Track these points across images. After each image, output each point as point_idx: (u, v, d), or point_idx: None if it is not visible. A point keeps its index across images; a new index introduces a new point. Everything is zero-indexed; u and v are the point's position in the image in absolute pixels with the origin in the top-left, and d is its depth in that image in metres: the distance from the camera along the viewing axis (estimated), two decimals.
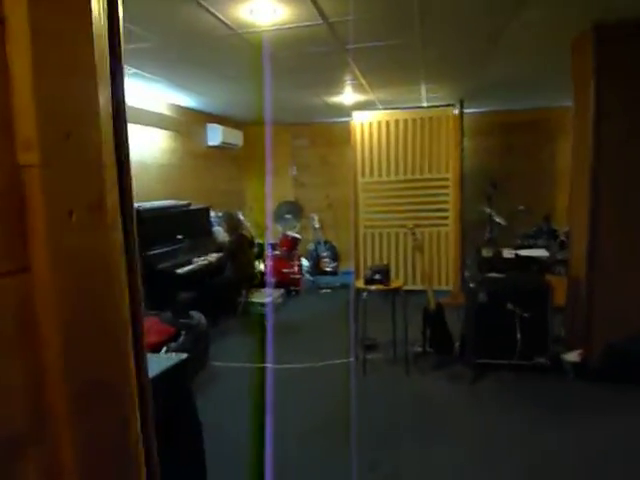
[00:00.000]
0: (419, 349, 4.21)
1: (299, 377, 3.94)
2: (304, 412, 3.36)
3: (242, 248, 5.09)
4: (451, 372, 3.88)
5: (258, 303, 5.83)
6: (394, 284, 3.81)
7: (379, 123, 6.16)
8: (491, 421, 3.13)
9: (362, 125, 6.21)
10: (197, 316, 4.16)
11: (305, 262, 7.83)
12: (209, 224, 5.96)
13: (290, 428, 3.11)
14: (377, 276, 3.77)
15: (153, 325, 3.82)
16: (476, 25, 3.31)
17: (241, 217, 6.90)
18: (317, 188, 8.34)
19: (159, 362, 1.97)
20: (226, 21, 3.03)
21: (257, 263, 6.95)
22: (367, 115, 6.20)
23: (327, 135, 8.17)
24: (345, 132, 7.79)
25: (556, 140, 6.95)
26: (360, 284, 3.84)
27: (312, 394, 3.66)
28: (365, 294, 3.75)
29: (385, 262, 6.24)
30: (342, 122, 7.87)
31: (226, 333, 5.06)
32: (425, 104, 6.48)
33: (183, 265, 4.87)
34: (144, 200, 5.24)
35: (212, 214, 6.18)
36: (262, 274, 6.65)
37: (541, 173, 7.09)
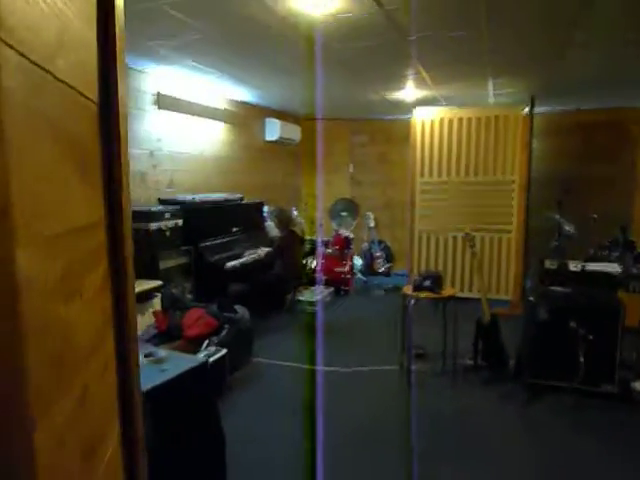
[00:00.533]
0: (469, 362, 3.96)
1: (342, 381, 3.81)
2: (344, 418, 3.23)
3: (292, 245, 5.02)
4: (503, 390, 3.60)
5: (306, 301, 5.75)
6: (446, 292, 3.58)
7: (441, 120, 5.88)
8: (546, 452, 2.85)
9: (423, 122, 5.95)
10: (241, 311, 4.13)
11: (358, 261, 7.68)
12: (262, 219, 5.94)
13: (329, 434, 2.99)
14: (427, 283, 3.56)
15: (198, 317, 3.83)
16: (554, 9, 3.00)
17: (295, 213, 6.87)
18: (374, 186, 8.15)
19: (178, 364, 1.89)
20: (280, 10, 2.93)
21: (309, 260, 6.88)
22: (429, 112, 5.94)
23: (386, 132, 7.94)
24: (405, 130, 7.54)
25: (638, 144, 6.35)
26: (408, 290, 3.64)
27: (354, 400, 3.51)
28: (413, 301, 3.55)
29: (440, 266, 5.96)
30: (402, 119, 7.62)
31: (272, 330, 5.01)
32: (492, 101, 6.12)
33: (233, 258, 4.87)
34: (200, 192, 5.30)
35: (265, 209, 6.16)
36: (312, 271, 6.57)
37: (619, 179, 6.51)
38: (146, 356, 1.85)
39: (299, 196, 8.24)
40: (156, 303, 3.90)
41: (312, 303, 5.73)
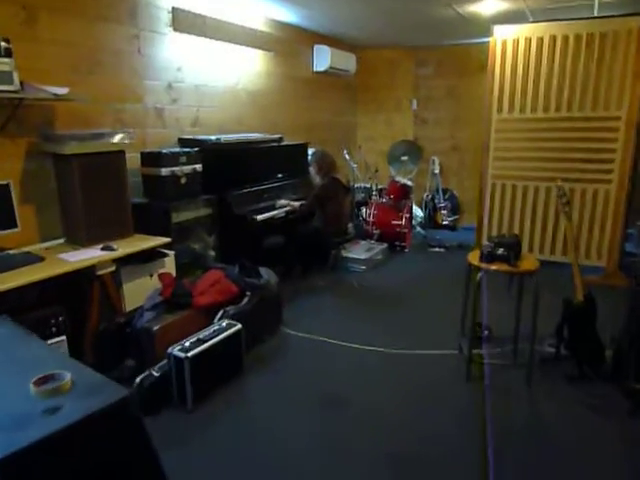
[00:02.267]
0: (550, 350, 3.11)
1: (384, 365, 3.10)
2: (378, 418, 2.55)
3: (334, 194, 4.23)
4: (595, 394, 2.74)
5: (354, 258, 5.02)
6: (524, 264, 2.69)
7: (527, 40, 4.67)
8: None
9: (504, 43, 4.77)
10: (267, 275, 3.47)
11: (418, 212, 6.78)
12: (306, 163, 5.16)
13: (361, 436, 2.33)
14: (501, 251, 2.69)
15: (215, 281, 3.21)
16: None
17: (347, 157, 6.03)
18: (441, 126, 7.05)
19: (84, 402, 1.16)
20: None
21: (361, 211, 6.08)
22: (512, 30, 4.73)
23: (458, 61, 6.73)
24: (480, 57, 6.33)
25: None
26: (475, 259, 2.79)
27: (398, 391, 2.81)
28: (481, 273, 2.70)
29: (517, 223, 4.96)
30: (477, 44, 6.39)
31: (309, 292, 4.35)
32: (596, 12, 4.79)
33: (266, 210, 4.18)
34: (230, 131, 4.58)
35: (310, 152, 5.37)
36: (364, 224, 5.78)
37: None
38: (37, 383, 1.20)
39: (353, 137, 7.33)
40: (169, 263, 3.31)
41: (361, 261, 4.99)
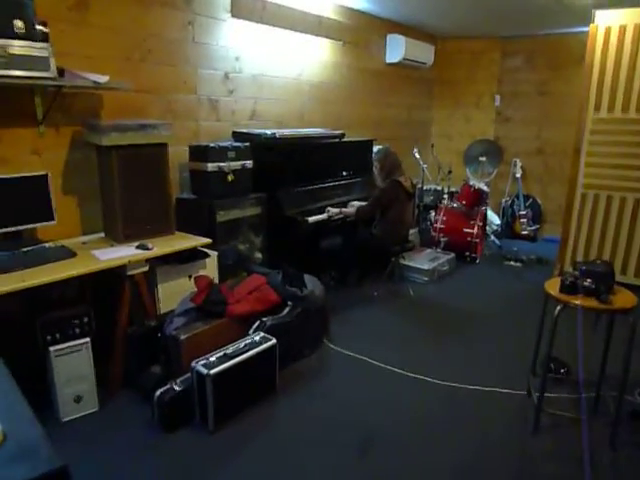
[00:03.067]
0: None
1: (437, 401, 2.69)
2: (423, 461, 2.17)
3: (394, 199, 3.83)
4: None
5: (417, 268, 4.59)
6: (618, 301, 2.17)
7: (637, 27, 3.97)
8: None
9: (608, 31, 4.09)
10: (312, 285, 3.17)
11: (495, 219, 6.18)
12: (370, 163, 4.79)
13: None
14: (588, 282, 2.19)
15: (256, 287, 2.97)
16: None
17: (417, 156, 5.58)
18: (526, 125, 6.36)
19: None
20: None
21: (430, 214, 5.61)
22: (619, 15, 4.05)
23: (551, 53, 6.01)
24: (577, 48, 5.63)
25: None
26: (553, 288, 2.30)
27: (447, 438, 2.41)
28: (559, 307, 2.22)
29: (610, 241, 4.28)
30: (576, 33, 5.66)
31: (363, 303, 4.00)
32: None
33: (320, 212, 3.88)
34: (290, 126, 4.32)
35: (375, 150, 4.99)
36: (431, 229, 5.32)
37: None
38: None
39: (426, 135, 6.83)
40: (210, 265, 3.11)
41: (423, 271, 4.55)
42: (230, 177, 3.29)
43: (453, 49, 6.52)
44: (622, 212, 4.23)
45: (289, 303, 2.99)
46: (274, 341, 2.60)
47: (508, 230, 6.20)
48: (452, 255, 4.96)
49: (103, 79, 2.64)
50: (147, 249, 2.67)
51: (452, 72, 6.64)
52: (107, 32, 2.97)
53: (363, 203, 4.03)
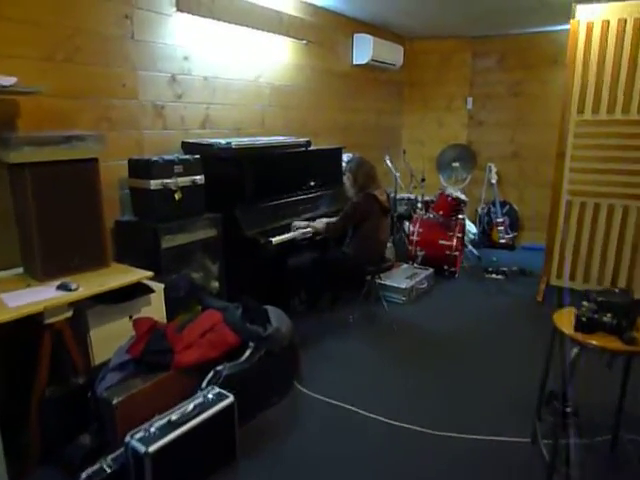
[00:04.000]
0: None
1: (427, 454, 2.28)
2: None
3: (367, 214, 3.43)
4: None
5: (393, 287, 4.19)
6: None
7: (622, 22, 3.69)
8: None
9: (590, 26, 3.80)
10: (278, 320, 2.71)
11: (471, 228, 5.87)
12: (340, 172, 4.38)
13: None
14: (608, 317, 1.82)
15: (210, 327, 2.49)
16: None
17: (389, 164, 5.21)
18: (500, 129, 6.09)
19: None
20: None
21: (405, 225, 5.25)
22: (602, 9, 3.77)
23: (524, 52, 5.75)
24: (552, 47, 5.40)
25: None
26: (565, 323, 1.92)
27: None
28: (576, 350, 1.83)
29: (597, 256, 3.98)
30: (550, 32, 5.43)
31: (337, 330, 3.57)
32: None
33: (286, 230, 3.43)
34: (249, 134, 3.87)
35: (345, 159, 4.59)
36: (407, 242, 4.94)
37: None
38: None
39: (397, 141, 6.48)
40: (156, 301, 2.61)
41: (401, 291, 4.16)
42: (177, 195, 2.81)
43: (422, 50, 6.20)
44: (610, 219, 3.94)
45: (250, 344, 2.52)
46: (231, 399, 2.13)
47: (485, 239, 5.89)
48: (430, 271, 4.58)
49: (8, 81, 2.13)
50: (69, 290, 2.16)
51: (422, 74, 6.32)
52: (24, 27, 2.45)
53: (333, 219, 3.61)
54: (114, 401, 2.02)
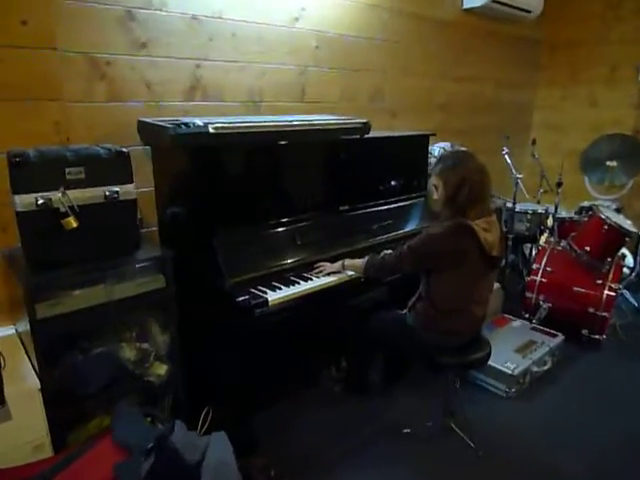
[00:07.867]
0: None
1: None
2: None
3: (456, 256, 1.82)
4: None
5: (493, 370, 2.55)
6: None
7: None
8: None
9: None
10: (179, 435, 1.33)
11: (628, 261, 3.91)
12: (422, 176, 2.83)
13: None
14: None
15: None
16: None
17: (507, 160, 3.53)
18: None
19: None
20: None
21: (525, 251, 3.56)
22: None
23: None
24: None
25: None
26: None
27: None
28: None
29: None
30: None
31: (388, 455, 2.10)
32: None
33: (302, 278, 2.01)
34: (275, 110, 2.50)
35: (435, 152, 3.02)
36: (526, 286, 3.25)
37: None
38: None
39: (525, 127, 4.64)
40: (23, 412, 1.41)
41: (505, 378, 2.52)
42: (71, 222, 1.51)
43: None
44: None
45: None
46: None
47: None
48: (559, 339, 2.85)
49: None
50: None
51: (573, 27, 4.39)
52: None
53: (389, 251, 2.10)
54: None
